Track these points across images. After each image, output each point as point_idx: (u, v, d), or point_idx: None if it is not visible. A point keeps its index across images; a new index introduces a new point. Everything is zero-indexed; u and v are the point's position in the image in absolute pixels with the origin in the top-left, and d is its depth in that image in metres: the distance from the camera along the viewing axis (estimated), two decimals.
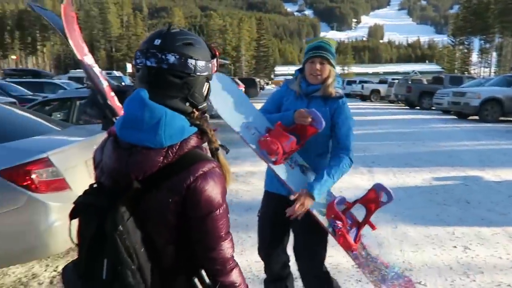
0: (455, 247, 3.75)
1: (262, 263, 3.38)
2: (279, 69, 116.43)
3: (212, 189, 1.04)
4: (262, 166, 7.35)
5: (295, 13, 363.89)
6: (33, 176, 2.73)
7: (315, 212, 2.16)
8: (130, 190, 1.00)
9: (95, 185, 1.09)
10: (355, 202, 2.31)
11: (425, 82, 21.55)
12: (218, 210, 1.06)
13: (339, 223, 2.18)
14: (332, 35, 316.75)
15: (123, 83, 5.89)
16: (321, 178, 2.10)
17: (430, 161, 7.28)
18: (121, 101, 5.42)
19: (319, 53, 2.16)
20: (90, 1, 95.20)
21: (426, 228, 4.17)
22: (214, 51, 1.15)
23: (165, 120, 1.03)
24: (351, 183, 5.84)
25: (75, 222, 1.10)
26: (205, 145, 1.15)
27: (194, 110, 1.12)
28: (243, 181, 5.95)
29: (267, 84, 71.56)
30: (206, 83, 1.13)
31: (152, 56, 1.05)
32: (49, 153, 2.86)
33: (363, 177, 6.20)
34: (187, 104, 1.10)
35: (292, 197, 2.06)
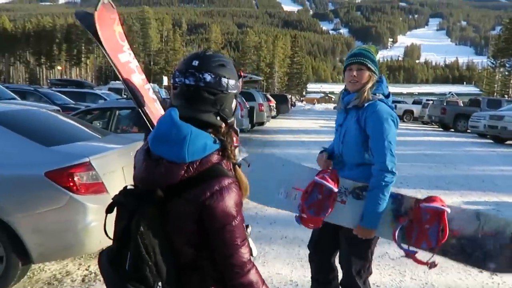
0: (481, 272, 3.68)
1: (283, 275, 3.48)
2: (312, 87, 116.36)
3: (226, 204, 1.15)
4: None
5: (330, 32, 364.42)
6: (75, 178, 2.97)
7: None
8: (154, 197, 1.15)
9: (129, 187, 1.25)
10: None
11: (461, 104, 21.02)
12: (233, 222, 1.16)
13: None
14: None
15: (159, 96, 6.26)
16: (369, 207, 2.09)
17: (461, 184, 7.13)
18: None
19: (355, 60, 2.17)
20: (133, 17, 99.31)
21: None
22: (239, 73, 1.32)
23: (190, 138, 1.15)
24: None
25: (109, 220, 1.28)
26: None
27: (223, 124, 1.27)
28: None
29: (300, 101, 71.60)
30: (234, 100, 1.28)
31: (191, 75, 1.20)
32: (90, 158, 3.10)
33: None
34: (218, 118, 1.24)
35: (354, 232, 2.14)
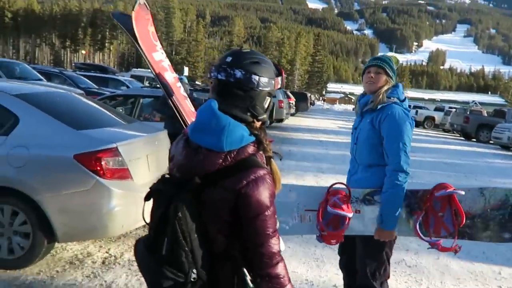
0: (500, 287, 3.63)
1: (298, 274, 3.49)
2: (332, 86, 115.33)
3: (261, 194, 1.19)
4: (305, 181, 7.40)
5: (354, 32, 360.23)
6: (103, 162, 3.03)
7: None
8: (192, 184, 1.19)
9: (167, 175, 1.29)
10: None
11: (485, 114, 20.56)
12: (266, 212, 1.20)
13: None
14: None
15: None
16: (385, 209, 2.13)
17: None
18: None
19: (375, 62, 2.23)
20: (157, 5, 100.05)
21: (471, 264, 4.06)
22: (280, 71, 1.34)
23: (228, 128, 1.20)
24: None
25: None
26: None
27: (254, 120, 1.29)
28: None
29: (319, 100, 71.12)
30: (268, 98, 1.30)
31: (223, 71, 1.25)
32: (118, 143, 3.16)
33: None
34: (248, 114, 1.27)
35: (376, 237, 2.17)
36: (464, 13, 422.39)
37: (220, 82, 1.25)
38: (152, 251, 1.23)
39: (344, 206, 2.13)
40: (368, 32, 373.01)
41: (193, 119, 1.43)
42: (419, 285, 3.51)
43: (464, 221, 2.13)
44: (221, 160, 1.20)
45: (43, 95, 3.65)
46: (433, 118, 27.04)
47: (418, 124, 27.27)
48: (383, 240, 2.19)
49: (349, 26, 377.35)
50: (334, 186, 2.28)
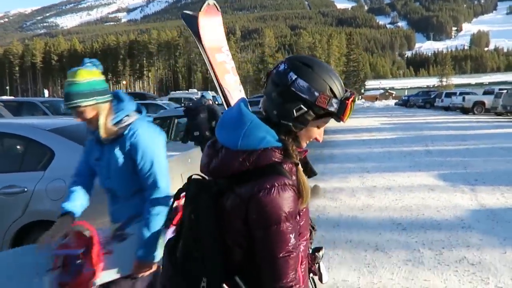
0: None
1: (349, 282, 3.28)
2: (370, 83, 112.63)
3: (273, 204, 1.04)
4: (349, 183, 7.18)
5: (388, 26, 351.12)
6: None
7: None
8: (209, 186, 1.12)
9: (194, 176, 1.22)
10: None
11: None
12: (275, 227, 1.04)
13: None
14: (428, 46, 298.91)
15: (216, 102, 6.32)
16: (145, 236, 1.86)
17: None
18: (191, 117, 5.71)
19: (67, 105, 1.90)
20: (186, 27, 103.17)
21: None
22: (347, 99, 1.14)
23: (249, 126, 1.10)
24: (450, 202, 5.40)
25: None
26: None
27: (280, 121, 1.14)
28: (330, 197, 5.84)
29: (359, 99, 69.59)
30: (300, 106, 1.11)
31: (277, 67, 1.18)
32: None
33: (464, 196, 5.66)
34: (275, 112, 1.14)
35: (134, 271, 1.89)
36: None
37: (267, 75, 1.19)
38: (170, 254, 1.19)
39: (75, 244, 1.84)
40: (402, 24, 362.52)
41: None
42: (486, 284, 3.18)
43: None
44: (237, 163, 1.09)
45: (76, 127, 3.74)
46: (483, 103, 25.44)
47: (467, 111, 25.88)
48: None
49: (382, 21, 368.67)
50: (74, 226, 1.98)
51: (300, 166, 1.14)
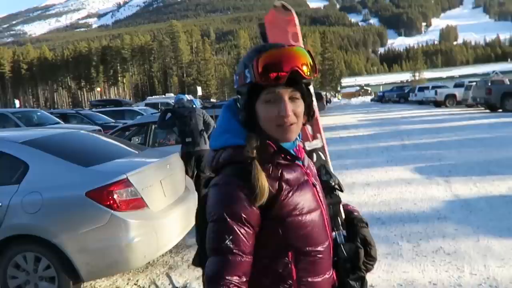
0: None
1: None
2: (346, 81, 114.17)
3: (213, 202, 1.04)
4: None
5: (360, 23, 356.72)
6: (115, 196, 3.00)
7: None
8: (206, 183, 1.14)
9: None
10: None
11: (508, 82, 19.79)
12: (212, 223, 1.02)
13: None
14: (400, 42, 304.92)
15: (194, 105, 6.30)
16: None
17: None
18: (182, 123, 5.74)
19: None
20: (162, 32, 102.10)
21: None
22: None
23: (218, 126, 1.13)
24: (426, 194, 5.55)
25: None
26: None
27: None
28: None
29: (335, 96, 70.48)
30: (238, 97, 1.13)
31: None
32: (128, 174, 3.13)
33: (440, 188, 5.84)
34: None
35: None
36: None
37: None
38: (198, 244, 1.21)
39: None
40: (373, 21, 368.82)
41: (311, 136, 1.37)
42: (461, 272, 3.29)
43: None
44: (211, 161, 1.10)
45: (50, 138, 3.69)
46: (454, 96, 26.20)
47: (439, 104, 26.60)
48: None
49: (354, 18, 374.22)
50: None
51: (255, 161, 1.03)
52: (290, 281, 1.05)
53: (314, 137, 1.38)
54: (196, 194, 4.41)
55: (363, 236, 1.22)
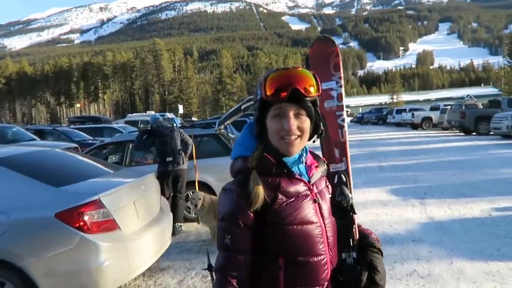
0: None
1: None
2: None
3: (220, 203, 1.20)
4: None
5: (340, 46, 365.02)
6: (86, 217, 2.92)
7: None
8: None
9: None
10: None
11: (481, 106, 20.49)
12: (218, 221, 1.19)
13: None
14: (379, 65, 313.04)
15: (175, 124, 6.25)
16: None
17: (489, 190, 6.82)
18: (162, 141, 5.72)
19: None
20: (145, 49, 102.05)
21: (486, 264, 3.86)
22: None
23: (238, 139, 1.28)
24: (401, 216, 5.62)
25: None
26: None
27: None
28: None
29: None
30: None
31: None
32: (100, 195, 3.06)
33: (415, 210, 5.92)
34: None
35: None
36: (443, 11, 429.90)
37: None
38: None
39: None
40: (353, 44, 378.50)
41: (337, 153, 1.44)
42: None
43: None
44: (230, 169, 1.25)
45: (21, 156, 3.58)
46: (430, 118, 26.94)
47: (416, 126, 27.23)
48: None
49: (335, 41, 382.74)
50: None
51: (254, 172, 1.16)
52: (279, 286, 1.15)
53: (340, 160, 1.49)
54: (171, 215, 4.34)
55: (370, 261, 1.25)
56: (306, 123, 1.18)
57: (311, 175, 1.25)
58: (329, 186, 1.33)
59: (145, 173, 4.14)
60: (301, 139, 1.18)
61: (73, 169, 3.81)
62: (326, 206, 1.24)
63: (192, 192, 5.67)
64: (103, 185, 3.45)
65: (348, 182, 1.44)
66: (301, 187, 1.19)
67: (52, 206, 2.92)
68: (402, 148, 14.32)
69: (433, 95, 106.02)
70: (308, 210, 1.17)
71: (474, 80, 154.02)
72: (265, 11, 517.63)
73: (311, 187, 1.22)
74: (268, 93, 1.15)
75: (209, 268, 1.37)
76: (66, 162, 3.97)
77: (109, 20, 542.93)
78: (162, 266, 4.33)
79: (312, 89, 1.16)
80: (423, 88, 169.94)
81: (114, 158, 7.42)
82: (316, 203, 1.21)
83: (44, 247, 2.89)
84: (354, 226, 1.32)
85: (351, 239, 1.29)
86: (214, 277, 1.19)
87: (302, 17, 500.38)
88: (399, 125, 31.27)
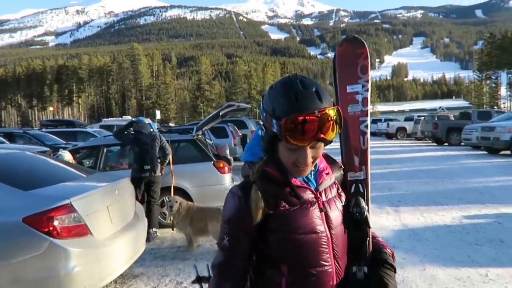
0: None
1: None
2: None
3: (224, 205, 1.21)
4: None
5: (318, 56, 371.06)
6: (56, 222, 2.82)
7: None
8: None
9: None
10: None
11: (452, 118, 21.16)
12: (222, 222, 1.21)
13: None
14: None
15: (151, 130, 6.13)
16: None
17: (459, 198, 7.01)
18: (142, 149, 5.66)
19: None
20: (123, 54, 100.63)
21: (457, 270, 3.95)
22: (288, 116, 1.05)
23: (249, 142, 1.28)
24: (377, 223, 5.69)
25: None
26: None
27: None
28: None
29: None
30: (262, 127, 1.21)
31: None
32: (72, 199, 2.96)
33: (389, 217, 6.01)
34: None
35: None
36: (417, 26, 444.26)
37: None
38: None
39: None
40: (331, 54, 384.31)
41: (357, 158, 1.37)
42: None
43: None
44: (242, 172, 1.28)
45: None
46: (404, 129, 27.64)
47: (391, 136, 27.85)
48: None
49: (313, 51, 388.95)
50: None
51: (254, 186, 1.14)
52: None
53: (359, 169, 1.41)
54: (146, 220, 4.25)
55: (380, 278, 1.19)
56: (320, 149, 1.11)
57: (320, 182, 1.19)
58: (342, 194, 1.26)
59: (119, 177, 4.05)
60: (313, 162, 1.12)
61: (44, 172, 3.68)
62: (334, 215, 1.17)
63: (168, 198, 5.58)
64: (75, 189, 3.35)
65: (366, 193, 1.36)
66: (306, 195, 1.14)
67: (20, 210, 2.81)
68: (378, 157, 14.57)
69: (407, 106, 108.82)
70: (313, 219, 1.12)
71: (446, 93, 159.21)
72: (245, 19, 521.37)
73: (319, 195, 1.17)
74: (286, 139, 1.04)
75: (198, 280, 1.37)
76: (36, 165, 3.83)
77: (86, 23, 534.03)
78: (135, 272, 4.22)
79: (331, 132, 1.06)
80: (397, 99, 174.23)
81: (88, 162, 7.24)
82: (323, 212, 1.15)
83: (10, 253, 2.77)
84: (368, 239, 1.25)
85: (363, 253, 1.24)
86: (212, 270, 1.22)
87: (281, 27, 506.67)
88: (374, 134, 31.90)
